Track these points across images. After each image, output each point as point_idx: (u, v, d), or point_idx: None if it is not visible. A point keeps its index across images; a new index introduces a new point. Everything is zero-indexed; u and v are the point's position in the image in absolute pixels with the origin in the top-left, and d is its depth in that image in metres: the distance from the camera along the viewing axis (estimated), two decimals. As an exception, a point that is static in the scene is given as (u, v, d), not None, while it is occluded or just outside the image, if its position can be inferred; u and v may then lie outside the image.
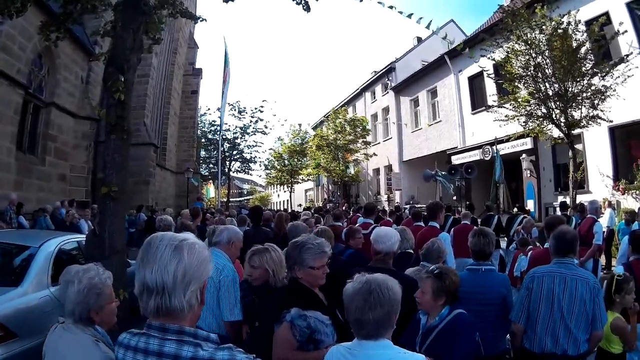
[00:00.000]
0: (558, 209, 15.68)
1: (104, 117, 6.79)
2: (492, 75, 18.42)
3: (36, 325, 5.07)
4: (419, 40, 38.33)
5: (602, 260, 11.85)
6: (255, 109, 44.80)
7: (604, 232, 11.13)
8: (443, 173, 22.82)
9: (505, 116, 16.83)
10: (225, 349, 1.69)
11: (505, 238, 13.21)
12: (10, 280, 5.64)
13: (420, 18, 7.19)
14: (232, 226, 4.87)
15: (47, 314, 5.25)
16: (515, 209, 15.82)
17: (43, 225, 14.25)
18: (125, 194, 6.95)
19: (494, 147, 20.25)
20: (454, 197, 23.00)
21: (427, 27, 7.37)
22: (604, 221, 12.27)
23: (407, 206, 21.96)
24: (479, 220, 13.07)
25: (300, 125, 49.07)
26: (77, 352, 2.55)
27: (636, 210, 13.30)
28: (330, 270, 3.54)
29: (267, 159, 51.43)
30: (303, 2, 8.50)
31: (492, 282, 4.41)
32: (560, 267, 4.11)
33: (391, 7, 8.15)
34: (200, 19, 11.98)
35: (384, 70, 36.50)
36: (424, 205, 17.02)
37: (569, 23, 14.80)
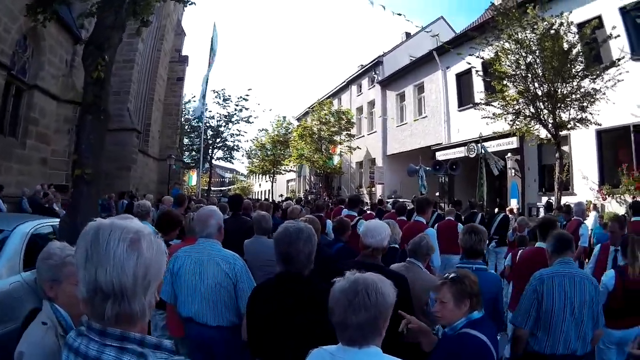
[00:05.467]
0: (542, 209, 15.74)
1: (77, 92, 6.66)
2: (481, 73, 18.43)
3: (6, 311, 4.95)
4: (408, 35, 38.22)
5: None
6: (240, 97, 44.55)
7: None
8: (427, 168, 22.78)
9: (493, 114, 16.85)
10: None
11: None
12: (-21, 265, 5.50)
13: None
14: (213, 208, 4.54)
15: (18, 300, 5.18)
16: (497, 208, 15.84)
17: (24, 208, 14.08)
18: (99, 177, 6.76)
19: (480, 145, 20.20)
20: (437, 193, 22.98)
21: (426, 30, 7.33)
22: (588, 224, 12.28)
23: (390, 200, 21.87)
24: (463, 218, 13.03)
25: (284, 117, 49.04)
26: (25, 337, 2.38)
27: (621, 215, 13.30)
28: (316, 265, 3.31)
29: (250, 147, 51.40)
30: None
31: (483, 282, 4.22)
32: (565, 266, 4.10)
33: (384, 7, 8.14)
34: (190, 2, 11.92)
35: (371, 63, 36.39)
36: (408, 200, 17.06)
37: (560, 24, 14.82)
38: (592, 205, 14.86)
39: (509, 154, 20.97)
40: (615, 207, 15.40)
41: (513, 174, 21.07)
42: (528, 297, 4.14)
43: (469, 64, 17.03)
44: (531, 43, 15.10)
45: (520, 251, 7.52)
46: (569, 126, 15.18)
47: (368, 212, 13.00)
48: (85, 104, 6.59)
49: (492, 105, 17.08)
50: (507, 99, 16.29)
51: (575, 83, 14.77)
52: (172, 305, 4.32)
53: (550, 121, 15.26)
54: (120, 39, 7.26)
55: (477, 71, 17.68)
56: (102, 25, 6.80)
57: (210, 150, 44.20)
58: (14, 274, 5.42)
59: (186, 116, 46.47)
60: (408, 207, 12.02)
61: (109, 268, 1.43)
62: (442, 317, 3.26)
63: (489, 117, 17.02)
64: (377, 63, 35.46)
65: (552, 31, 14.74)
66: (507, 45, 15.76)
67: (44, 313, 2.47)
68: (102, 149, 6.84)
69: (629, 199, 14.26)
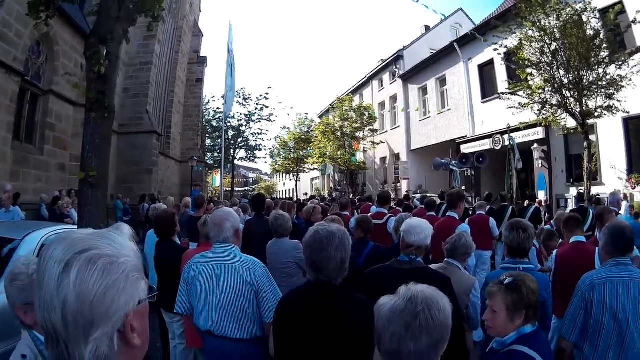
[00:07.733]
0: (574, 200, 15.32)
1: (83, 93, 6.27)
2: (504, 62, 18.08)
3: (11, 327, 4.59)
4: (427, 28, 37.93)
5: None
6: (261, 96, 44.68)
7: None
8: (453, 162, 22.40)
9: (519, 104, 16.37)
10: None
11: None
12: (-14, 277, 5.16)
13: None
14: (228, 210, 4.13)
15: None
16: (527, 201, 15.48)
17: (43, 215, 13.93)
18: (106, 179, 6.40)
19: (507, 136, 19.77)
20: (463, 187, 22.57)
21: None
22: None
23: (417, 195, 21.42)
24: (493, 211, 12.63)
25: (307, 114, 48.88)
26: None
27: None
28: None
29: (273, 146, 51.35)
30: None
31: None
32: (619, 269, 3.50)
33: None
34: None
35: (391, 58, 35.86)
36: (434, 195, 16.62)
37: (584, 9, 14.46)
38: (622, 195, 14.40)
39: (535, 145, 20.57)
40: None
41: (540, 165, 20.64)
42: (575, 305, 3.61)
43: (496, 50, 16.51)
44: (555, 30, 14.67)
45: (555, 250, 6.84)
46: (596, 114, 14.75)
47: (395, 208, 12.58)
48: (88, 101, 6.22)
49: (518, 95, 16.65)
50: (533, 87, 15.83)
51: (601, 70, 14.36)
52: (189, 316, 4.03)
53: (577, 110, 14.83)
54: (125, 31, 6.87)
55: (502, 58, 17.31)
56: (105, 16, 6.43)
57: (232, 151, 44.15)
58: (22, 286, 5.09)
59: (207, 117, 46.50)
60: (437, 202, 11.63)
61: (40, 299, 1.06)
62: (492, 327, 2.88)
63: (514, 107, 16.54)
64: (397, 57, 34.88)
65: (576, 17, 14.36)
66: (530, 33, 15.32)
67: (23, 343, 2.14)
68: (107, 150, 6.47)
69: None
